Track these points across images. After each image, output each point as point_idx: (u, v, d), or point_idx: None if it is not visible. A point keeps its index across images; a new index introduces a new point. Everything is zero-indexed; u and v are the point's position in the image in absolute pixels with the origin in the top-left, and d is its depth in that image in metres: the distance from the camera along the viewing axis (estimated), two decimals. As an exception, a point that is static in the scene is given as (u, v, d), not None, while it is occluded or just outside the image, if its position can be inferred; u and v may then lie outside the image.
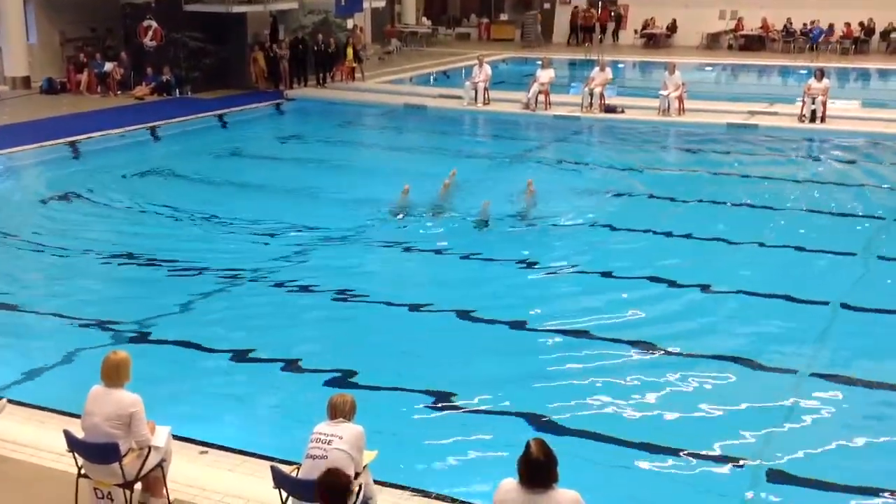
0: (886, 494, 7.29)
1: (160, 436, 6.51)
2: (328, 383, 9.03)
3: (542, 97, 23.75)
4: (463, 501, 6.82)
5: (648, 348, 9.99)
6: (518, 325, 10.66)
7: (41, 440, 7.51)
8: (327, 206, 15.89)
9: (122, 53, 26.57)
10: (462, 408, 8.69)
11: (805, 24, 35.25)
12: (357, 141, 22.59)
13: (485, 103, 24.41)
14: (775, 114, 23.12)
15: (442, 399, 8.85)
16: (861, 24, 34.80)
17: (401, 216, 14.96)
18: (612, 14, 38.65)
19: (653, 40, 37.50)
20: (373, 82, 28.27)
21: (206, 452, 7.37)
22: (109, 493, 6.24)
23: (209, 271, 12.39)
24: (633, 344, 10.10)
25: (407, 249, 13.51)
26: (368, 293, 11.73)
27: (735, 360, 9.72)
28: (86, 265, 12.86)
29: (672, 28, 37.47)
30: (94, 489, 6.31)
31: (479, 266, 12.80)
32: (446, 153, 19.92)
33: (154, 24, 25.87)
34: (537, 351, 9.97)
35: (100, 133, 20.64)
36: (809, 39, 34.89)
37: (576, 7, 38.60)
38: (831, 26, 34.90)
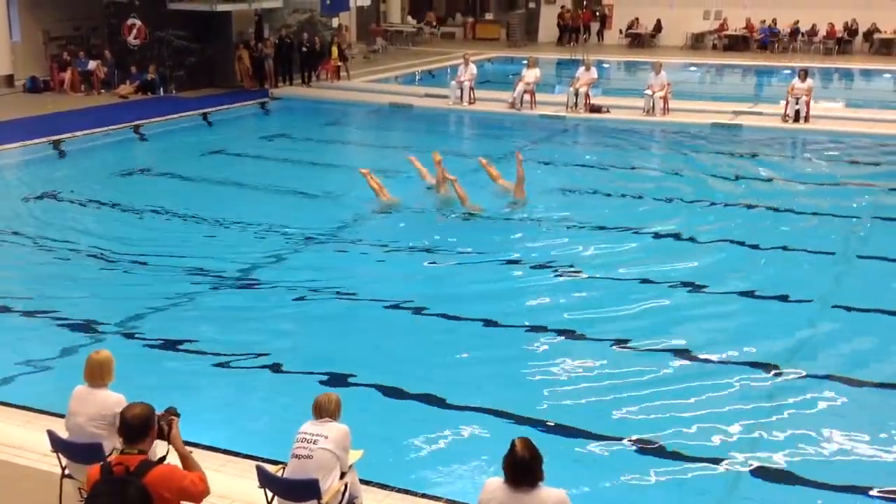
0: (871, 492, 7.34)
1: (145, 436, 6.47)
2: (313, 382, 9.00)
3: (527, 97, 23.78)
4: (448, 500, 6.84)
5: (630, 347, 10.03)
6: (503, 324, 10.68)
7: (25, 440, 7.48)
8: (313, 205, 15.88)
9: (105, 52, 26.46)
10: (448, 407, 8.70)
11: (789, 25, 35.44)
12: (343, 140, 22.57)
13: (470, 102, 24.42)
14: (759, 114, 23.25)
15: (428, 398, 8.85)
16: (845, 24, 35.02)
17: (386, 212, 15.04)
18: (597, 14, 38.73)
19: (638, 40, 37.62)
20: (358, 81, 28.22)
21: (191, 452, 7.31)
22: (94, 493, 6.21)
23: (193, 271, 12.35)
24: (615, 342, 10.16)
25: (393, 248, 13.50)
26: (353, 292, 11.73)
27: (718, 358, 9.77)
28: (69, 264, 12.80)
29: (657, 28, 37.61)
30: (80, 489, 6.29)
31: (464, 265, 12.80)
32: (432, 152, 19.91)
33: (138, 22, 25.79)
34: (521, 349, 10.00)
35: (83, 132, 20.54)
36: (793, 40, 35.06)
37: (563, 7, 38.66)
38: (814, 27, 35.10)
